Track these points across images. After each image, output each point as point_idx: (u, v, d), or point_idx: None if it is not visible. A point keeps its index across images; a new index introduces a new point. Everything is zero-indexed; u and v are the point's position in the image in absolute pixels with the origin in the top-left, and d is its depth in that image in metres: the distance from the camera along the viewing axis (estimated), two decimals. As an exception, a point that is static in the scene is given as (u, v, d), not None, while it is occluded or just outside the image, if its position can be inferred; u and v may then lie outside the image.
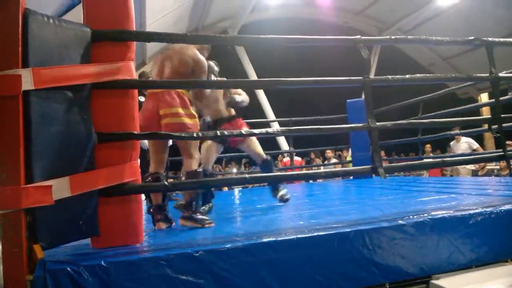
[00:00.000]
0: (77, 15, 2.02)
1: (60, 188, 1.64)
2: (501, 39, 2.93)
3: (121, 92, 1.90)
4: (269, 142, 10.27)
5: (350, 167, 6.78)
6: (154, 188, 2.27)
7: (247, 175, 2.28)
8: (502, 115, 2.80)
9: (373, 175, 2.51)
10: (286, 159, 8.39)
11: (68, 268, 1.53)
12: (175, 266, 1.63)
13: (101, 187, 1.77)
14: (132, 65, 1.94)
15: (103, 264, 1.57)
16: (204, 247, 1.72)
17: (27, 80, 1.57)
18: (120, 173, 1.82)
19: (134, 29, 1.99)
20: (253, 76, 11.52)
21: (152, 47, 9.93)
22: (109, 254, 1.70)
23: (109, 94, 1.87)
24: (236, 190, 6.78)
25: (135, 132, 1.90)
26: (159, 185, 2.20)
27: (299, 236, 1.85)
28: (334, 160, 8.62)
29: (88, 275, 1.55)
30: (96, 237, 1.85)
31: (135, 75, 1.96)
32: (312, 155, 9.90)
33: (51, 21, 1.72)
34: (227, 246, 1.74)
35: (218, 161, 9.90)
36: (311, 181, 7.18)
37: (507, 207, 2.25)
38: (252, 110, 11.06)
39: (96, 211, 1.80)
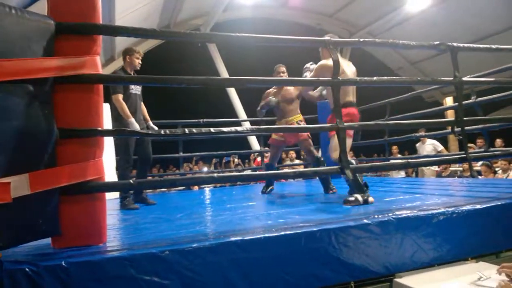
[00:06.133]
0: (42, 7, 1.94)
1: (19, 185, 1.58)
2: (465, 45, 3.02)
3: (86, 87, 1.84)
4: (240, 142, 10.28)
5: (319, 168, 6.86)
6: (118, 186, 2.22)
7: (215, 175, 2.26)
8: (465, 118, 2.89)
9: (341, 175, 2.54)
10: (259, 158, 8.42)
11: (27, 269, 1.48)
12: (139, 266, 1.60)
13: (62, 185, 1.71)
14: (98, 59, 1.89)
15: (63, 264, 1.52)
16: (169, 246, 1.70)
17: (-16, 72, 1.50)
18: (83, 171, 1.77)
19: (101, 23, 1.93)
20: (225, 75, 11.48)
21: (121, 42, 9.74)
22: (70, 254, 1.64)
23: (73, 88, 1.81)
24: (207, 190, 6.74)
25: (99, 129, 1.85)
26: (124, 183, 2.14)
27: (266, 235, 1.85)
28: (297, 161, 8.72)
29: (47, 275, 1.50)
30: (57, 237, 1.79)
31: (100, 70, 1.90)
32: (283, 155, 9.96)
33: (12, 11, 1.65)
34: (193, 245, 1.72)
35: (189, 160, 9.82)
36: (283, 181, 7.22)
37: (468, 207, 2.33)
38: (223, 109, 11.05)
39: (57, 210, 1.74)
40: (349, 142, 3.23)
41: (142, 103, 4.23)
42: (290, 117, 4.32)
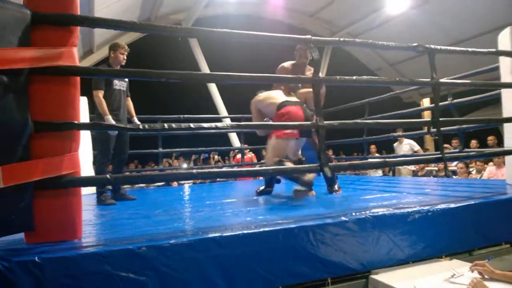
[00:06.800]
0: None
1: (-9, 179, 1.53)
2: (443, 47, 3.08)
3: (62, 79, 1.79)
4: (221, 139, 10.24)
5: (299, 165, 6.89)
6: (95, 181, 2.17)
7: (194, 170, 2.23)
8: (441, 119, 2.95)
9: (320, 173, 2.56)
10: (239, 155, 8.41)
11: (-2, 264, 1.43)
12: (115, 262, 1.58)
13: (36, 179, 1.66)
14: (75, 51, 1.84)
15: (36, 260, 1.48)
16: (147, 243, 1.68)
17: (-44, 62, 1.45)
18: (58, 165, 1.72)
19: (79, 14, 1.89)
20: (206, 71, 11.40)
21: (100, 35, 9.56)
22: (44, 250, 1.60)
23: (48, 80, 1.76)
24: (186, 186, 6.70)
25: (76, 122, 1.80)
26: (101, 178, 2.11)
27: (244, 231, 1.85)
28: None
29: (20, 271, 1.46)
30: (31, 232, 1.74)
31: (77, 62, 1.85)
32: (264, 153, 9.99)
33: (-14, 0, 1.59)
34: (171, 241, 1.70)
35: (168, 156, 9.72)
36: (261, 178, 7.22)
37: (442, 206, 2.39)
38: (205, 107, 10.98)
39: (31, 205, 1.69)
40: (283, 143, 3.26)
41: (129, 99, 4.18)
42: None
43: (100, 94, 3.69)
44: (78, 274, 1.53)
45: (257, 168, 7.47)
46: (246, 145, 7.59)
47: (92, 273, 1.54)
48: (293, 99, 3.44)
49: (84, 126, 1.93)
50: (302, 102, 3.51)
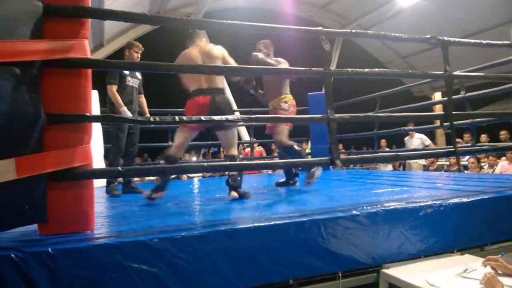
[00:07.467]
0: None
1: (5, 170, 1.55)
2: (456, 39, 3.03)
3: (74, 72, 1.80)
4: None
5: (309, 158, 6.87)
6: (107, 173, 2.19)
7: (205, 163, 2.24)
8: (454, 112, 2.91)
9: (330, 166, 2.54)
10: (248, 149, 8.41)
11: (12, 255, 1.45)
12: (127, 253, 1.59)
13: (49, 170, 1.68)
14: (86, 43, 1.85)
15: (50, 251, 1.50)
16: (158, 234, 1.68)
17: (-31, 54, 1.46)
18: (70, 157, 1.73)
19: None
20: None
21: (110, 28, 9.59)
22: (57, 241, 1.62)
23: (60, 73, 1.77)
24: (195, 179, 6.72)
25: (87, 114, 1.81)
26: (112, 170, 2.12)
27: (255, 224, 1.85)
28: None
29: (33, 262, 1.47)
30: (44, 223, 1.76)
31: (89, 54, 1.86)
32: (273, 146, 9.98)
33: (-2, -8, 1.60)
34: (182, 233, 1.71)
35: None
36: (270, 172, 7.22)
37: (454, 200, 2.36)
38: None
39: (44, 196, 1.71)
40: (182, 135, 3.05)
41: (142, 96, 4.34)
42: (273, 99, 3.81)
43: (114, 88, 3.86)
44: (90, 265, 1.54)
45: (266, 161, 7.48)
46: (255, 139, 7.58)
47: (105, 264, 1.56)
48: (213, 83, 3.11)
49: (96, 119, 1.94)
50: (218, 87, 3.15)
